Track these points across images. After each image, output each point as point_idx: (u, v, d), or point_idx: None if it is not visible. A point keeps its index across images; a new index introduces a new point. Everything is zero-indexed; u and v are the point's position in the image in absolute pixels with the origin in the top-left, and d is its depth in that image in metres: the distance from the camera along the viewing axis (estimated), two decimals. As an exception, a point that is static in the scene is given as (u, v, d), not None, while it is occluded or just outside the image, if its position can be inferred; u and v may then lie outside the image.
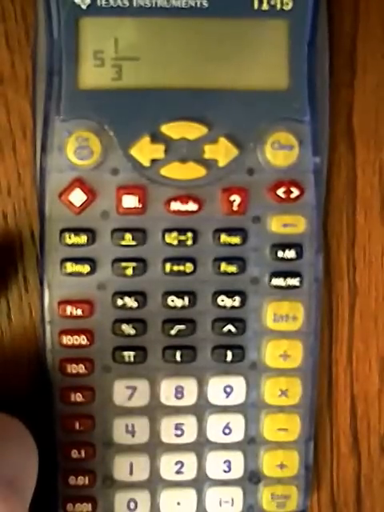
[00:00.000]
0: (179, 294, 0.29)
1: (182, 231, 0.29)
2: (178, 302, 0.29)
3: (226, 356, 0.30)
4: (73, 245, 0.29)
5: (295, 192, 0.29)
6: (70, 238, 0.28)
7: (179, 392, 0.30)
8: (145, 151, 0.28)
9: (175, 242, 0.29)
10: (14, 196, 0.30)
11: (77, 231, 0.28)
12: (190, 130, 0.28)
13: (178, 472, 0.31)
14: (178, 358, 0.30)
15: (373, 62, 0.31)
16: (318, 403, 0.32)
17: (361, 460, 0.34)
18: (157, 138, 0.28)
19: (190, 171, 0.29)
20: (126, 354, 0.29)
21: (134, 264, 0.29)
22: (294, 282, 0.30)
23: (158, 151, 0.28)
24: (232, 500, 0.31)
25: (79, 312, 0.29)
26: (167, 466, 0.30)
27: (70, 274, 0.29)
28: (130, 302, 0.29)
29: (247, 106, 0.28)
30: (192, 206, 0.29)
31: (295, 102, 0.29)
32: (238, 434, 0.31)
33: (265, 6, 0.28)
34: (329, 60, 0.29)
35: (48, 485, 0.30)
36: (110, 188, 0.28)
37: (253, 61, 0.28)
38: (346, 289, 0.32)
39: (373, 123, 0.31)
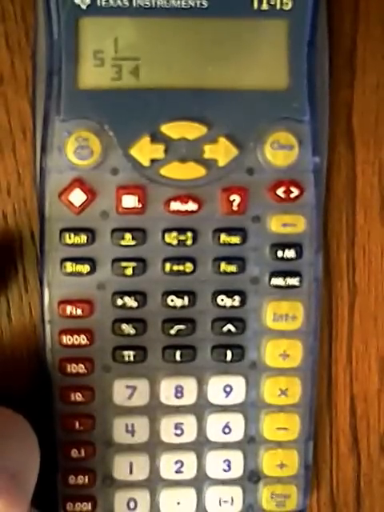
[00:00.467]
0: (179, 294, 0.29)
1: (181, 231, 0.29)
2: (178, 302, 0.29)
3: (225, 355, 0.30)
4: (73, 245, 0.29)
5: (295, 192, 0.29)
6: (69, 237, 0.28)
7: (179, 391, 0.30)
8: (144, 151, 0.28)
9: (175, 242, 0.29)
10: (13, 196, 0.30)
11: (77, 231, 0.29)
12: (190, 130, 0.28)
13: (178, 471, 0.31)
14: (178, 357, 0.30)
15: (373, 62, 0.31)
16: (318, 403, 0.32)
17: (360, 459, 0.34)
18: (156, 137, 0.28)
19: (190, 171, 0.29)
20: (125, 353, 0.29)
21: (133, 264, 0.29)
22: (294, 281, 0.30)
23: (158, 151, 0.28)
24: (232, 499, 0.31)
25: (79, 312, 0.29)
26: (167, 466, 0.31)
27: (70, 274, 0.29)
28: (130, 301, 0.29)
29: (247, 105, 0.28)
30: (192, 206, 0.29)
31: (295, 101, 0.29)
32: (237, 434, 0.31)
33: (264, 6, 0.28)
34: (329, 60, 0.29)
35: (48, 484, 0.30)
36: (110, 188, 0.28)
37: (252, 61, 0.28)
38: (346, 288, 0.32)
39: (372, 123, 0.31)
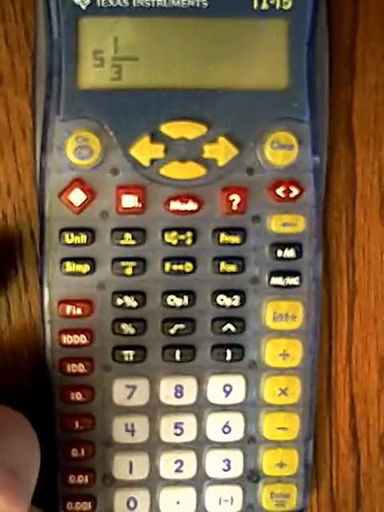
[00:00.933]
0: (179, 294, 0.29)
1: (181, 231, 0.29)
2: (178, 302, 0.29)
3: (225, 355, 0.30)
4: (72, 244, 0.29)
5: (294, 191, 0.29)
6: (69, 237, 0.29)
7: (179, 391, 0.30)
8: (144, 151, 0.28)
9: (175, 242, 0.29)
10: (13, 196, 0.30)
11: (76, 231, 0.29)
12: (190, 130, 0.28)
13: (178, 471, 0.31)
14: (178, 357, 0.30)
15: (372, 62, 0.31)
16: (318, 402, 0.32)
17: (360, 459, 0.34)
18: (156, 137, 0.28)
19: (190, 171, 0.29)
20: (125, 353, 0.29)
21: (133, 263, 0.29)
22: (294, 281, 0.30)
23: (158, 151, 0.28)
24: (231, 499, 0.31)
25: (79, 311, 0.29)
26: (167, 465, 0.31)
27: (70, 274, 0.29)
28: (130, 301, 0.29)
29: (247, 105, 0.28)
30: (191, 206, 0.29)
31: (295, 101, 0.29)
32: (237, 433, 0.31)
33: (264, 6, 0.28)
34: (328, 59, 0.29)
35: (48, 483, 0.30)
36: (110, 188, 0.28)
37: (252, 60, 0.28)
38: (345, 288, 0.32)
39: (372, 123, 0.31)
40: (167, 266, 0.29)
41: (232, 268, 0.29)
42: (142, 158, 0.28)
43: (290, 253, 0.30)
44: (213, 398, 0.30)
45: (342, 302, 0.32)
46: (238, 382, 0.30)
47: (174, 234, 0.29)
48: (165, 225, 0.29)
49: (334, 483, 0.34)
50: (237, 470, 0.31)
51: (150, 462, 0.30)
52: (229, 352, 0.30)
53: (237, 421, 0.31)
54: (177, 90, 0.28)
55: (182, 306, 0.29)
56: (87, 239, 0.29)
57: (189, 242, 0.29)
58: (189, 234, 0.29)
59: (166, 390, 0.30)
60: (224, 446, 0.31)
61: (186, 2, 0.28)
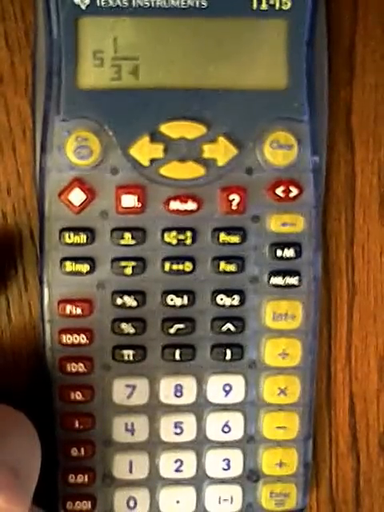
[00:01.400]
0: (178, 293, 0.29)
1: (181, 230, 0.29)
2: (178, 301, 0.29)
3: (225, 355, 0.30)
4: (72, 244, 0.29)
5: (294, 191, 0.29)
6: (69, 237, 0.29)
7: (178, 390, 0.30)
8: (144, 151, 0.28)
9: (174, 241, 0.29)
10: (13, 195, 0.30)
11: (76, 230, 0.29)
12: (189, 130, 0.28)
13: (178, 470, 0.31)
14: (178, 356, 0.30)
15: (372, 62, 0.31)
16: (317, 401, 0.32)
17: (359, 458, 0.34)
18: (156, 137, 0.28)
19: (189, 170, 0.29)
20: (125, 352, 0.30)
21: (133, 263, 0.29)
22: (293, 280, 0.30)
23: (158, 151, 0.28)
24: (231, 498, 0.31)
25: (79, 311, 0.29)
26: (166, 464, 0.31)
27: (70, 273, 0.29)
28: (130, 300, 0.29)
29: (246, 105, 0.28)
30: (191, 205, 0.29)
31: (294, 101, 0.29)
32: (237, 433, 0.31)
33: (264, 6, 0.28)
34: (328, 59, 0.29)
35: (48, 483, 0.30)
36: (110, 187, 0.29)
37: (252, 60, 0.28)
38: (345, 287, 0.32)
39: (371, 122, 0.31)
40: (167, 265, 0.29)
41: (231, 268, 0.29)
42: (141, 157, 0.28)
43: (289, 252, 0.30)
44: (212, 398, 0.30)
45: (341, 302, 0.33)
46: (237, 382, 0.30)
47: (174, 233, 0.29)
48: (164, 224, 0.29)
49: (333, 482, 0.34)
50: (236, 470, 0.31)
51: (150, 461, 0.31)
52: (228, 351, 0.30)
53: (236, 420, 0.31)
54: (176, 89, 0.28)
55: (182, 306, 0.29)
56: (87, 239, 0.29)
57: (188, 241, 0.29)
58: (188, 233, 0.29)
59: (166, 390, 0.30)
60: (224, 445, 0.31)
61: (185, 2, 0.28)
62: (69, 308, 0.29)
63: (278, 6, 0.28)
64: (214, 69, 0.28)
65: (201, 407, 0.30)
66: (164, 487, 0.31)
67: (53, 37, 0.27)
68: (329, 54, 0.29)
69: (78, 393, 0.30)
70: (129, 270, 0.29)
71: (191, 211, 0.29)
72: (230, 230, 0.29)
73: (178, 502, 0.31)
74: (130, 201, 0.29)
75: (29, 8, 0.29)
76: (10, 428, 0.27)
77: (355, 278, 0.32)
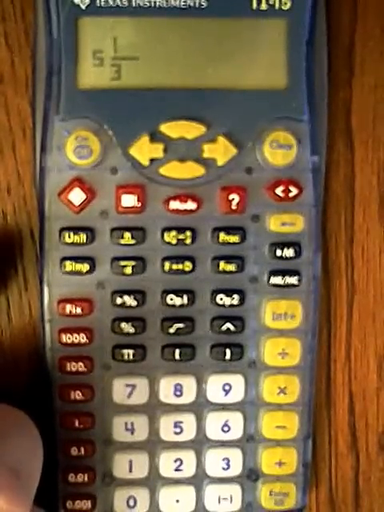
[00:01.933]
0: (178, 293, 0.29)
1: (180, 230, 0.29)
2: (177, 301, 0.29)
3: (224, 354, 0.30)
4: (72, 244, 0.29)
5: (294, 191, 0.29)
6: (69, 236, 0.29)
7: (178, 390, 0.30)
8: (144, 150, 0.28)
9: (174, 241, 0.29)
10: (13, 195, 0.30)
11: (76, 230, 0.29)
12: (189, 130, 0.28)
13: (177, 469, 0.31)
14: (177, 356, 0.30)
15: (371, 61, 0.31)
16: (317, 401, 0.32)
17: (359, 457, 0.34)
18: (156, 137, 0.28)
19: (189, 170, 0.29)
20: (125, 352, 0.30)
21: (133, 263, 0.29)
22: (293, 280, 0.30)
23: (157, 150, 0.28)
24: (231, 497, 0.31)
25: (79, 310, 0.29)
26: (166, 464, 0.31)
27: (70, 273, 0.29)
28: (129, 300, 0.29)
29: (246, 105, 0.28)
30: (191, 205, 0.29)
31: (294, 101, 0.29)
32: (236, 432, 0.31)
33: (263, 6, 0.28)
34: (327, 59, 0.29)
35: (48, 482, 0.30)
36: (110, 187, 0.29)
37: (251, 60, 0.28)
38: (344, 287, 0.32)
39: (371, 122, 0.31)
40: (167, 265, 0.29)
41: (231, 267, 0.29)
42: (141, 157, 0.28)
43: (289, 252, 0.30)
44: (212, 397, 0.30)
45: (341, 301, 0.33)
46: (237, 381, 0.30)
47: (174, 233, 0.29)
48: (164, 224, 0.29)
49: (333, 482, 0.34)
50: (236, 469, 0.31)
51: (150, 460, 0.31)
52: (228, 351, 0.30)
53: (236, 420, 0.31)
54: (176, 89, 0.28)
55: (182, 305, 0.29)
56: (87, 238, 0.29)
57: (188, 241, 0.29)
58: (188, 233, 0.29)
59: (166, 389, 0.30)
60: (223, 444, 0.31)
61: (185, 1, 0.28)
62: (69, 307, 0.29)
63: (277, 5, 0.28)
64: (214, 69, 0.28)
65: (200, 407, 0.30)
66: (164, 486, 0.31)
67: (53, 37, 0.28)
68: (328, 54, 0.29)
69: (78, 392, 0.30)
70: (129, 270, 0.29)
71: (191, 211, 0.29)
72: (229, 230, 0.29)
73: (177, 501, 0.31)
74: (129, 200, 0.29)
75: (29, 8, 0.29)
76: (10, 428, 0.27)
77: (355, 277, 0.32)
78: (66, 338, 0.29)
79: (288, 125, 0.29)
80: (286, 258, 0.30)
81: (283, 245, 0.30)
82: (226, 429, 0.31)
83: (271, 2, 0.28)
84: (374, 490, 0.34)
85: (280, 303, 0.30)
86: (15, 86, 0.30)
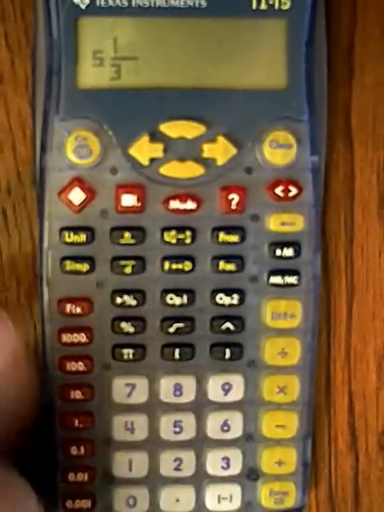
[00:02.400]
0: (178, 292, 0.29)
1: (180, 230, 0.29)
2: (177, 300, 0.29)
3: (224, 354, 0.30)
4: (72, 243, 0.29)
5: (293, 191, 0.29)
6: (69, 236, 0.29)
7: (178, 389, 0.30)
8: (144, 150, 0.28)
9: (174, 241, 0.29)
10: (13, 195, 0.30)
11: (76, 230, 0.29)
12: (189, 129, 0.28)
13: (177, 469, 0.31)
14: (177, 355, 0.30)
15: (371, 61, 0.31)
16: (316, 400, 0.32)
17: (358, 457, 0.34)
18: (155, 137, 0.28)
19: (189, 170, 0.29)
20: (125, 351, 0.30)
21: (132, 262, 0.29)
22: (292, 280, 0.30)
23: (157, 150, 0.28)
24: (230, 496, 0.31)
25: (78, 310, 0.29)
26: (166, 463, 0.31)
27: (70, 273, 0.29)
28: (129, 300, 0.29)
29: (245, 105, 0.28)
30: (191, 205, 0.29)
31: (293, 101, 0.29)
32: (236, 431, 0.31)
33: (263, 6, 0.28)
34: (327, 59, 0.29)
35: (47, 481, 0.30)
36: (109, 187, 0.29)
37: (251, 60, 0.28)
38: (344, 287, 0.32)
39: (370, 122, 0.32)
40: (166, 264, 0.29)
41: (231, 267, 0.29)
42: (141, 157, 0.28)
43: (288, 252, 0.30)
44: (212, 397, 0.30)
45: (340, 301, 0.33)
46: (236, 381, 0.30)
47: (174, 233, 0.29)
48: (164, 224, 0.29)
49: (332, 481, 0.34)
50: (236, 468, 0.31)
51: (150, 460, 0.31)
52: (228, 351, 0.30)
53: (236, 419, 0.31)
54: (176, 89, 0.28)
55: (182, 305, 0.30)
56: (87, 238, 0.29)
57: (188, 240, 0.29)
58: (188, 233, 0.29)
59: (166, 389, 0.30)
60: (223, 444, 0.31)
61: (185, 2, 0.28)
62: (69, 307, 0.29)
63: (277, 5, 0.28)
64: (214, 69, 0.28)
65: (200, 406, 0.30)
66: (164, 486, 0.31)
67: (53, 37, 0.28)
68: (328, 54, 0.29)
69: (78, 392, 0.30)
70: (128, 269, 0.29)
71: (191, 210, 0.29)
72: (229, 230, 0.29)
73: (177, 500, 0.31)
74: (129, 200, 0.29)
75: (29, 8, 0.29)
76: (3, 493, 0.26)
77: (354, 277, 0.32)
78: (65, 337, 0.29)
79: (288, 125, 0.29)
80: (286, 258, 0.30)
81: (283, 244, 0.30)
82: (225, 428, 0.31)
83: (271, 2, 0.28)
84: (373, 490, 0.34)
85: (280, 303, 0.30)
86: (15, 86, 0.30)
